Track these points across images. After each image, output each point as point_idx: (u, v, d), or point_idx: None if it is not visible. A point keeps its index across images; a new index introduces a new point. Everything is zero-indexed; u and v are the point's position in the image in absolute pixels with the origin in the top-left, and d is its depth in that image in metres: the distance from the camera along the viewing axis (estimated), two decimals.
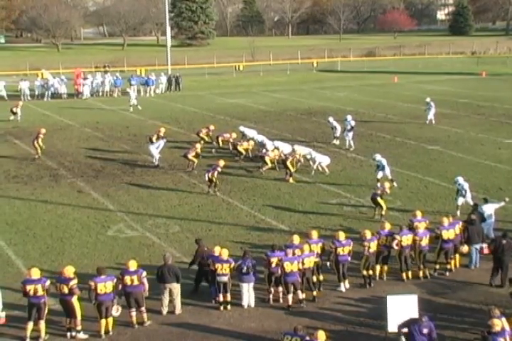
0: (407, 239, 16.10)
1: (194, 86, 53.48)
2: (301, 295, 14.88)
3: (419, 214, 17.41)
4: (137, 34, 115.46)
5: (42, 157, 28.46)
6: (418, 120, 36.36)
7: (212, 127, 30.61)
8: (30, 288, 13.45)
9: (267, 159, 26.00)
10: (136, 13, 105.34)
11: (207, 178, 23.00)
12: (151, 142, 28.11)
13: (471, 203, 19.91)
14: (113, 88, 49.17)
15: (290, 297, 14.77)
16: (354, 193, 23.19)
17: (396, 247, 16.04)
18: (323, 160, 26.04)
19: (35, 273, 13.68)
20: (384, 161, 23.64)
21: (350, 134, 29.88)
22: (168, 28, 62.60)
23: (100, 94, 49.01)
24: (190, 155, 26.24)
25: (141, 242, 18.75)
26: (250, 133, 29.63)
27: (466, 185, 20.59)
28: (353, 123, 30.00)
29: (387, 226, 16.44)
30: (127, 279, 13.98)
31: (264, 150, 27.19)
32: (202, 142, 28.97)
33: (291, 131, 33.12)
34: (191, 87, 52.70)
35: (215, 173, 22.93)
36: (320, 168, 25.93)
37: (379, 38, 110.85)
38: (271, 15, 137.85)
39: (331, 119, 31.02)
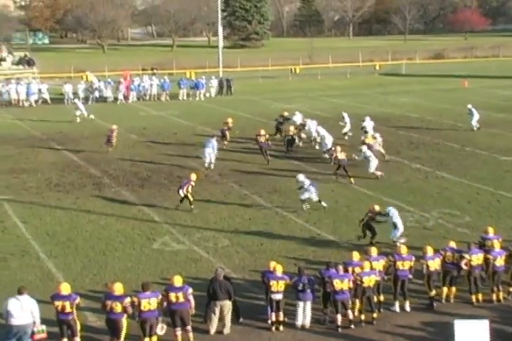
0: (477, 258, 15.84)
1: (247, 90, 53.76)
2: (351, 315, 14.81)
3: (491, 230, 17.10)
4: (187, 34, 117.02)
5: (84, 164, 29.00)
6: (491, 128, 35.85)
7: (230, 120, 32.99)
8: (58, 304, 13.60)
9: (337, 154, 26.52)
10: (187, 13, 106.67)
11: (182, 194, 22.59)
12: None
13: None
14: (161, 92, 49.83)
15: (339, 316, 14.71)
16: (418, 207, 22.93)
17: (465, 267, 15.80)
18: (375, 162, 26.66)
19: (65, 289, 13.81)
20: (307, 182, 22.69)
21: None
22: (220, 28, 63.22)
23: (147, 98, 49.70)
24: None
25: (188, 256, 18.86)
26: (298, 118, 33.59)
27: None
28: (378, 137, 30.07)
29: (452, 244, 16.25)
30: (172, 296, 14.00)
31: (327, 148, 28.80)
32: (226, 141, 32.04)
33: (349, 139, 32.94)
34: (244, 91, 52.99)
35: (189, 188, 22.70)
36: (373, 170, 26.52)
37: (448, 39, 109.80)
38: (331, 14, 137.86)
39: (345, 115, 33.93)
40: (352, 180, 26.06)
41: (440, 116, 40.07)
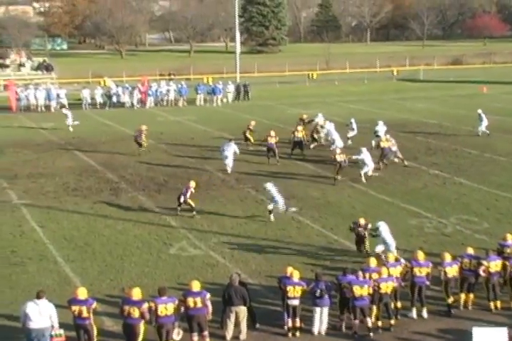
0: (495, 265, 15.73)
1: (264, 95, 53.83)
2: (370, 323, 14.74)
3: (509, 237, 16.97)
4: (205, 40, 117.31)
5: (102, 169, 29.14)
6: (509, 134, 35.69)
7: (253, 122, 33.69)
8: (75, 308, 13.64)
9: (336, 157, 26.92)
10: (204, 18, 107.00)
11: (182, 200, 22.49)
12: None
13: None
14: (178, 97, 49.99)
15: (356, 322, 14.67)
16: (436, 213, 22.83)
17: (483, 274, 15.70)
18: (371, 166, 27.13)
19: (82, 294, 13.84)
20: (274, 191, 22.00)
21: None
22: (238, 34, 63.24)
23: (165, 103, 49.87)
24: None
25: (205, 261, 18.87)
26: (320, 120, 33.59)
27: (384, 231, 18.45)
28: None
29: (470, 250, 16.16)
30: (190, 301, 13.99)
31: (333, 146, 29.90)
32: (250, 143, 32.43)
33: (366, 145, 32.82)
34: (261, 96, 53.07)
35: (189, 195, 22.66)
36: (363, 174, 26.82)
37: (467, 45, 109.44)
38: (348, 19, 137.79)
39: (352, 121, 34.15)
40: (339, 177, 26.73)
41: (458, 122, 39.88)
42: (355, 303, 14.64)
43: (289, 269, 15.14)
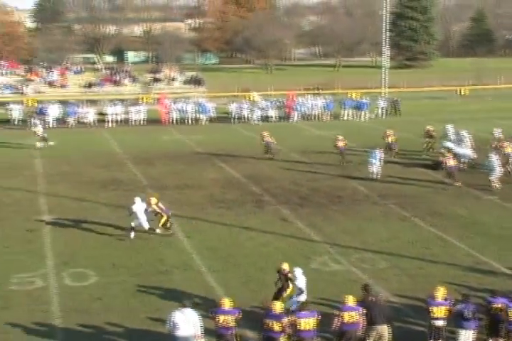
0: None
1: (411, 111, 53.06)
2: None
3: None
4: (351, 55, 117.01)
5: (246, 181, 29.67)
6: None
7: (391, 131, 35.03)
8: (220, 318, 13.87)
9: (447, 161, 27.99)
10: (353, 33, 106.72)
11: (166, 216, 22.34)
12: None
13: None
14: (323, 111, 50.13)
15: None
16: None
17: None
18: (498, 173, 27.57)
19: (229, 304, 14.07)
20: (139, 208, 21.71)
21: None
22: (386, 49, 62.79)
23: (310, 117, 50.13)
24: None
25: (346, 277, 18.75)
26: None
27: None
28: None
29: None
30: (346, 316, 13.87)
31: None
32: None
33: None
34: (408, 111, 52.35)
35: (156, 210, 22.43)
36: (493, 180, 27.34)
37: None
38: (502, 33, 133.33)
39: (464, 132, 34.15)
40: (459, 184, 27.74)
41: None
42: (509, 328, 14.05)
43: (438, 289, 14.68)
